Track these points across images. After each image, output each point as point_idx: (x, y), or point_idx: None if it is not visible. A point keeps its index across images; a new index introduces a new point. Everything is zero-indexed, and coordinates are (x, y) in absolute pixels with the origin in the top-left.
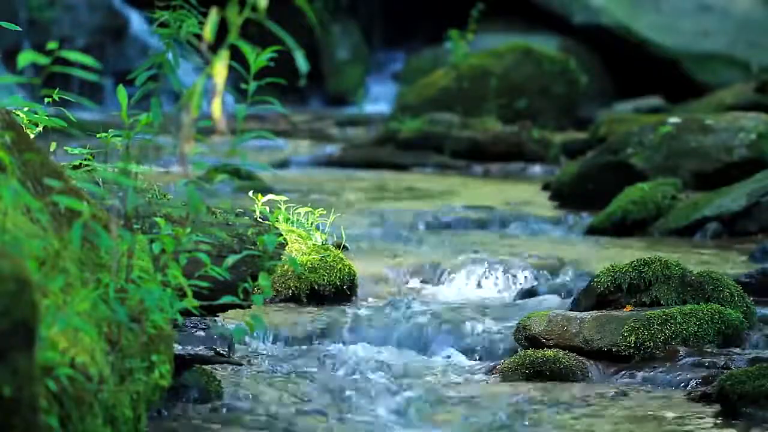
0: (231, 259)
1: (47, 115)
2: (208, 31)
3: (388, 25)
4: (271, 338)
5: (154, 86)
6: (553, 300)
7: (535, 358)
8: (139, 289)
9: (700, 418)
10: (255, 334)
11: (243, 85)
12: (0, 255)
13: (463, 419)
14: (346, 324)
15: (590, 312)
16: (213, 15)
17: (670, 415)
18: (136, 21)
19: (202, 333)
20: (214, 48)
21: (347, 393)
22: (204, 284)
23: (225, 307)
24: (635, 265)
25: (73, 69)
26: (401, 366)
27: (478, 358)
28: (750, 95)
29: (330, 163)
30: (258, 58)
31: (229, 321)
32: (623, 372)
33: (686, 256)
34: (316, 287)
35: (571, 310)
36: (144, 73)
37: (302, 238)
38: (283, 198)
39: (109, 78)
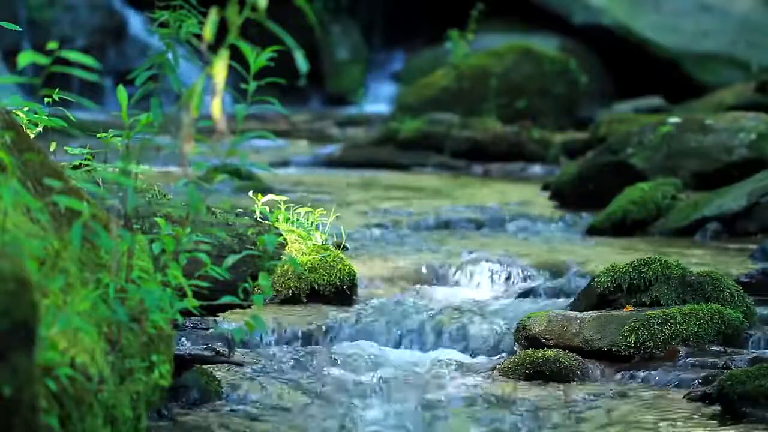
0: (231, 259)
1: (47, 115)
2: (208, 31)
3: (388, 25)
4: (271, 338)
5: (154, 86)
6: (553, 300)
7: (535, 358)
8: (139, 289)
9: (700, 418)
10: (255, 334)
11: (243, 85)
12: (0, 255)
13: (463, 419)
14: (345, 324)
15: (590, 312)
16: (213, 15)
17: (670, 415)
18: (136, 21)
19: (202, 333)
20: (214, 48)
21: (347, 393)
22: (204, 284)
23: (225, 307)
24: (635, 265)
25: (73, 69)
26: (401, 366)
27: (478, 357)
28: (750, 95)
29: (330, 163)
30: (258, 58)
31: (230, 321)
32: (623, 372)
33: (686, 256)
34: (316, 287)
35: (571, 310)
36: (144, 73)
37: (302, 238)
38: (283, 198)
39: (109, 78)
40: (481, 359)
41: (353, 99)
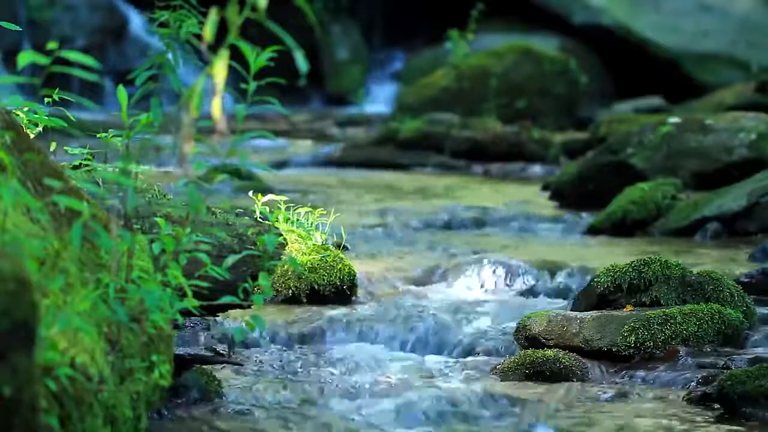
0: (231, 259)
1: (47, 115)
2: (208, 31)
3: (388, 25)
4: (271, 338)
5: (154, 86)
6: (553, 300)
7: (535, 358)
8: (139, 289)
9: (700, 418)
10: (255, 334)
11: (243, 85)
12: (0, 255)
13: (462, 419)
14: (345, 324)
15: (590, 312)
16: (213, 15)
17: (670, 415)
18: (136, 21)
19: (202, 333)
20: (214, 48)
21: (347, 393)
22: (204, 284)
23: (225, 307)
24: (635, 265)
25: (73, 69)
26: (401, 366)
27: (477, 357)
28: (750, 95)
29: (330, 163)
30: (258, 58)
31: (230, 321)
32: (623, 372)
33: (686, 256)
34: (316, 287)
35: (571, 310)
36: (144, 73)
37: (302, 238)
38: (283, 198)
39: (109, 78)
40: (481, 359)
41: (353, 99)
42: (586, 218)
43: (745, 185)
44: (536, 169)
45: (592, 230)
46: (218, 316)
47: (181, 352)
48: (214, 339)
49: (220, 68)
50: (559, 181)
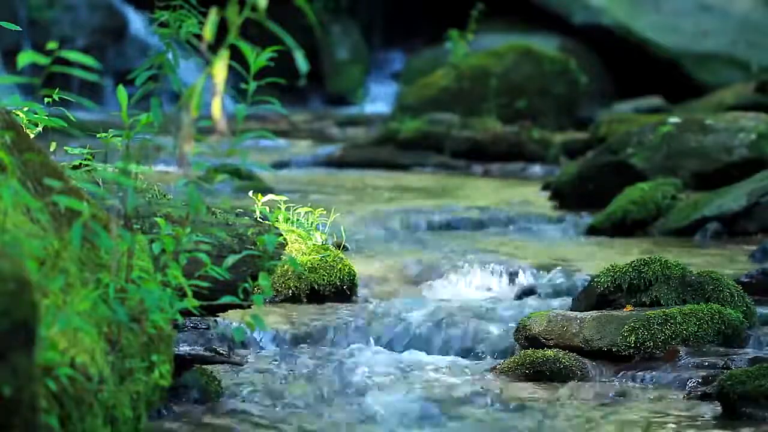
0: (231, 259)
1: (47, 115)
2: (208, 31)
3: (388, 25)
4: (271, 338)
5: (154, 86)
6: (553, 300)
7: (535, 358)
8: (139, 289)
9: (700, 418)
10: (255, 334)
11: (243, 85)
12: (0, 255)
13: (462, 419)
14: (345, 324)
15: (590, 312)
16: (213, 15)
17: (670, 415)
18: (136, 21)
19: (202, 333)
20: (214, 48)
21: (347, 393)
22: (204, 284)
23: (225, 307)
24: (635, 265)
25: (73, 69)
26: (401, 366)
27: (477, 358)
28: (750, 95)
29: (330, 163)
30: (258, 58)
31: (230, 321)
32: (623, 372)
33: (686, 256)
34: (316, 287)
35: (571, 310)
36: (144, 73)
37: (302, 238)
38: (283, 198)
39: (109, 78)
40: (481, 359)
41: (353, 99)
42: (586, 218)
43: (745, 185)
44: (536, 169)
45: (592, 230)
46: (218, 316)
47: (181, 352)
48: (214, 339)
49: (220, 68)
50: (559, 181)
